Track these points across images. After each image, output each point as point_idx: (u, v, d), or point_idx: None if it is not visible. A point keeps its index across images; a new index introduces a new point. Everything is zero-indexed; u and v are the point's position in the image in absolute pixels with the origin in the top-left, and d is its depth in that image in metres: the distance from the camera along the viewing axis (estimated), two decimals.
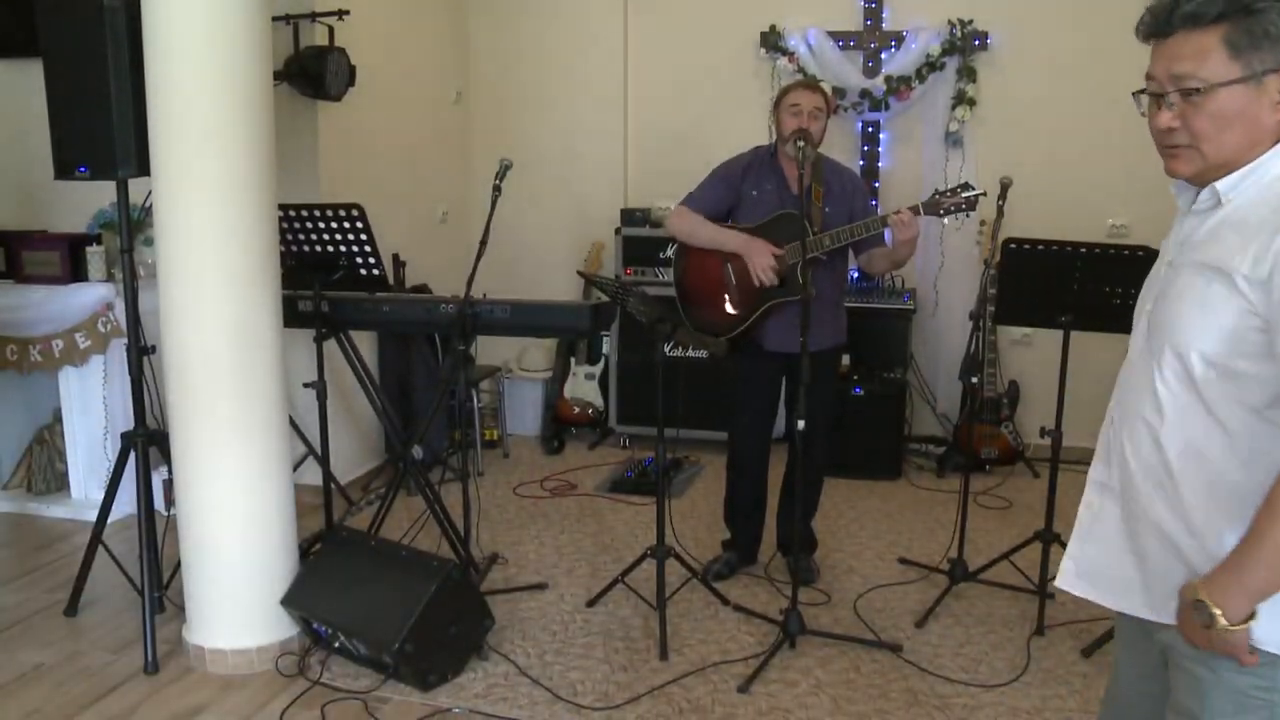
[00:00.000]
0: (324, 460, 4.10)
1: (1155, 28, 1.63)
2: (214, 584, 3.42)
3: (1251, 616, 1.57)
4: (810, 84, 3.92)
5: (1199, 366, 1.61)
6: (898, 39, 5.70)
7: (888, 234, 3.80)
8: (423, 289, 5.53)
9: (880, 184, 5.87)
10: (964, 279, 5.71)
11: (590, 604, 3.93)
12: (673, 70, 6.10)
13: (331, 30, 4.72)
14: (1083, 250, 3.52)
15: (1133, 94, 1.72)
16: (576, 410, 6.04)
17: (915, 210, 3.65)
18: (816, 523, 4.33)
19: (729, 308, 3.93)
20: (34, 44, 3.50)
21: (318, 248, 3.90)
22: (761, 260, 3.77)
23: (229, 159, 3.19)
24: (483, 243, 3.64)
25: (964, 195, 3.69)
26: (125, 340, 3.74)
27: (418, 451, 3.93)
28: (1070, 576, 1.86)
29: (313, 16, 4.69)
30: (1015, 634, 3.69)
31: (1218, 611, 1.57)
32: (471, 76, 6.37)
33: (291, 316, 3.87)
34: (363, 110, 5.11)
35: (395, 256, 5.25)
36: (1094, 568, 1.82)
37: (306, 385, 3.96)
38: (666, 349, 3.58)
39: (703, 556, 4.34)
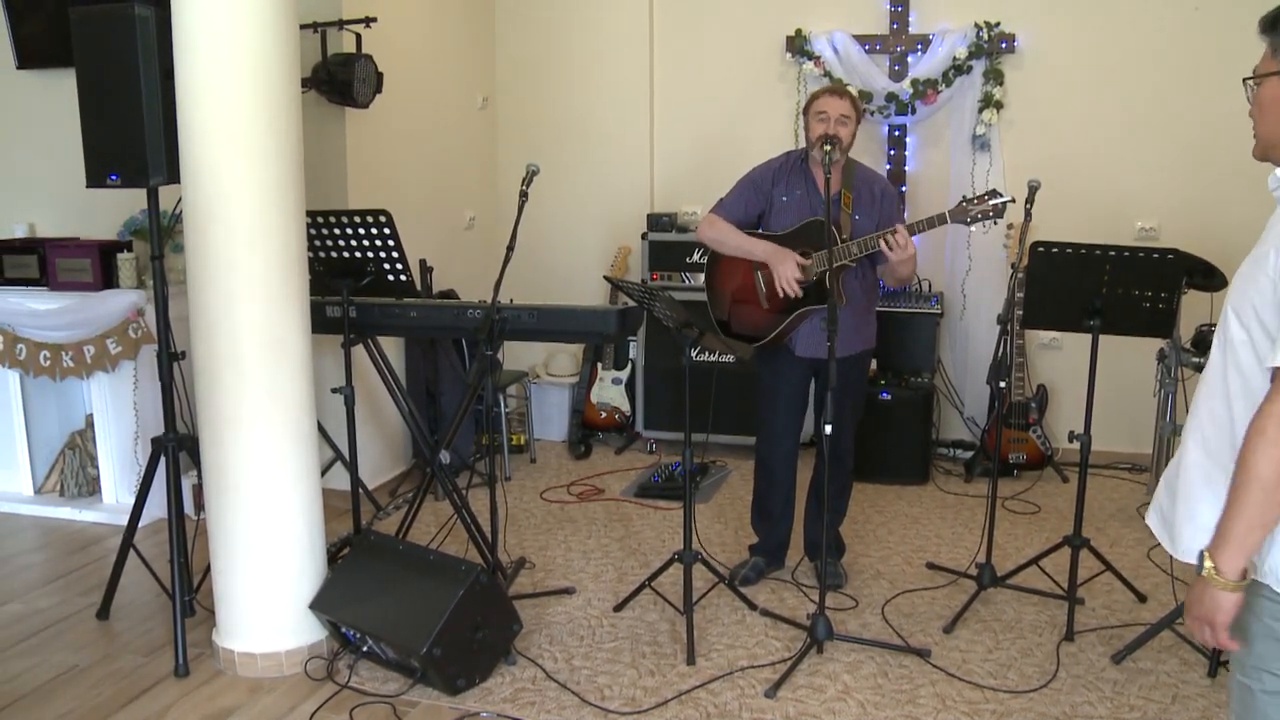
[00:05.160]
0: (352, 465, 4.12)
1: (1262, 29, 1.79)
2: (243, 588, 3.44)
3: (1243, 578, 1.68)
4: (838, 90, 3.91)
5: (1235, 325, 1.75)
6: (924, 42, 5.68)
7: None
8: (450, 294, 5.55)
9: (907, 188, 5.85)
10: (992, 282, 5.68)
11: (617, 608, 3.93)
12: (699, 75, 6.11)
13: (359, 37, 4.76)
14: (1111, 253, 3.49)
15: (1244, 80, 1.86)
16: (603, 415, 6.04)
17: (913, 228, 3.65)
18: (844, 527, 4.32)
19: (761, 314, 3.93)
20: (67, 54, 3.54)
21: (346, 254, 3.92)
22: (786, 271, 3.77)
23: (258, 166, 3.21)
24: (510, 248, 3.65)
25: (992, 202, 3.68)
26: (156, 346, 3.77)
27: (445, 456, 3.94)
28: (1150, 509, 2.02)
29: (340, 24, 4.72)
30: (1044, 640, 3.67)
31: (1209, 564, 1.70)
32: (498, 82, 6.40)
33: (320, 322, 3.90)
34: (390, 117, 5.14)
35: (423, 262, 5.28)
36: (1159, 503, 1.96)
37: (334, 390, 3.99)
38: (693, 354, 3.58)
39: (730, 561, 4.33)
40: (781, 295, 3.80)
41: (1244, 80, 1.80)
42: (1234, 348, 1.74)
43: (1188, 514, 1.84)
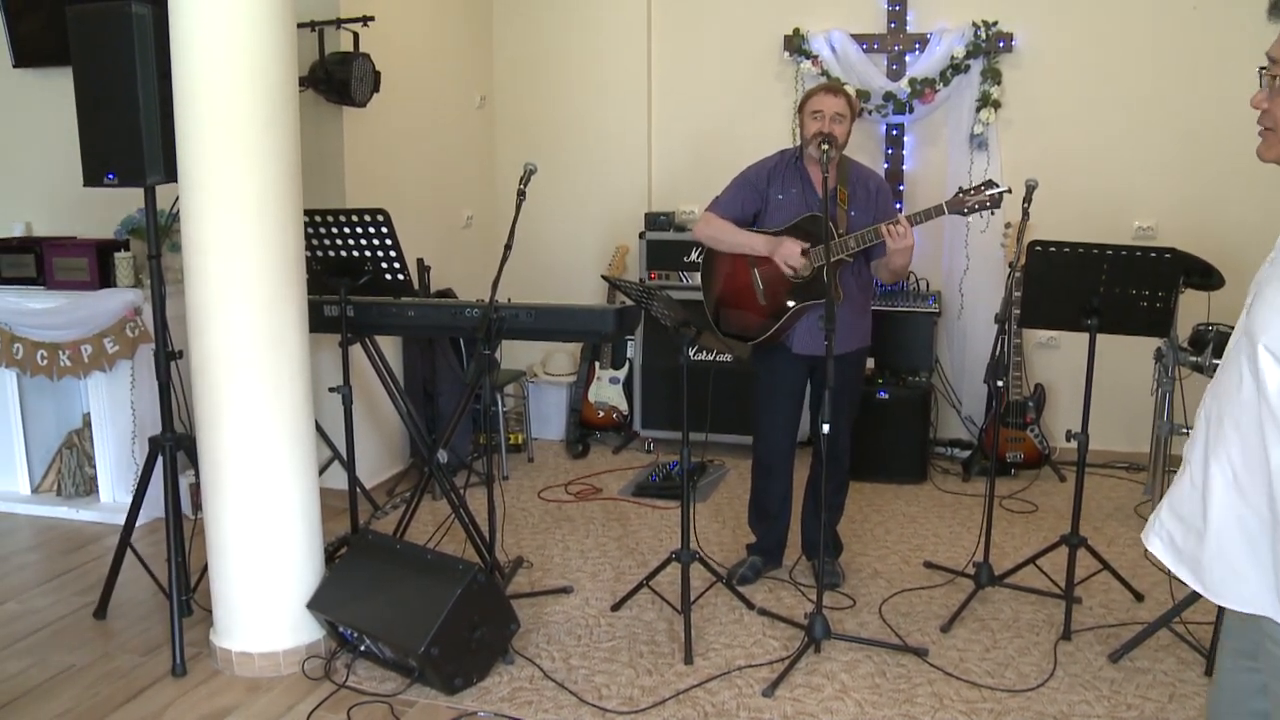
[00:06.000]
0: (350, 464, 4.12)
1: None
2: (240, 587, 3.44)
3: None
4: (833, 87, 3.91)
5: (1270, 365, 1.62)
6: (922, 41, 5.68)
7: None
8: (448, 293, 5.55)
9: (905, 187, 5.85)
10: (989, 282, 5.68)
11: (615, 608, 3.93)
12: (697, 74, 6.11)
13: (356, 36, 4.75)
14: (1109, 252, 3.49)
15: (1259, 69, 1.71)
16: (601, 414, 6.04)
17: (910, 220, 3.65)
18: (841, 526, 4.32)
19: (757, 312, 3.93)
20: (64, 53, 3.53)
21: (343, 253, 3.92)
22: (788, 251, 3.76)
23: (255, 165, 3.21)
24: (507, 247, 3.65)
25: (988, 193, 3.68)
26: (153, 345, 3.77)
27: (443, 455, 3.94)
28: (1149, 533, 1.90)
29: (338, 23, 4.72)
30: (1042, 638, 3.67)
31: None
32: (496, 81, 6.40)
33: (317, 321, 3.89)
34: (388, 116, 5.13)
35: (420, 261, 5.27)
36: (1169, 531, 1.85)
37: (332, 390, 3.98)
38: (691, 353, 3.58)
39: (727, 560, 4.33)
40: (789, 273, 3.79)
41: (1260, 70, 1.68)
42: (1268, 392, 1.63)
43: (1227, 565, 1.73)
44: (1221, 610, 3.32)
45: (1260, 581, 1.69)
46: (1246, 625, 1.83)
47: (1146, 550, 1.88)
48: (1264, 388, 1.63)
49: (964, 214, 3.74)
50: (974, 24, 5.53)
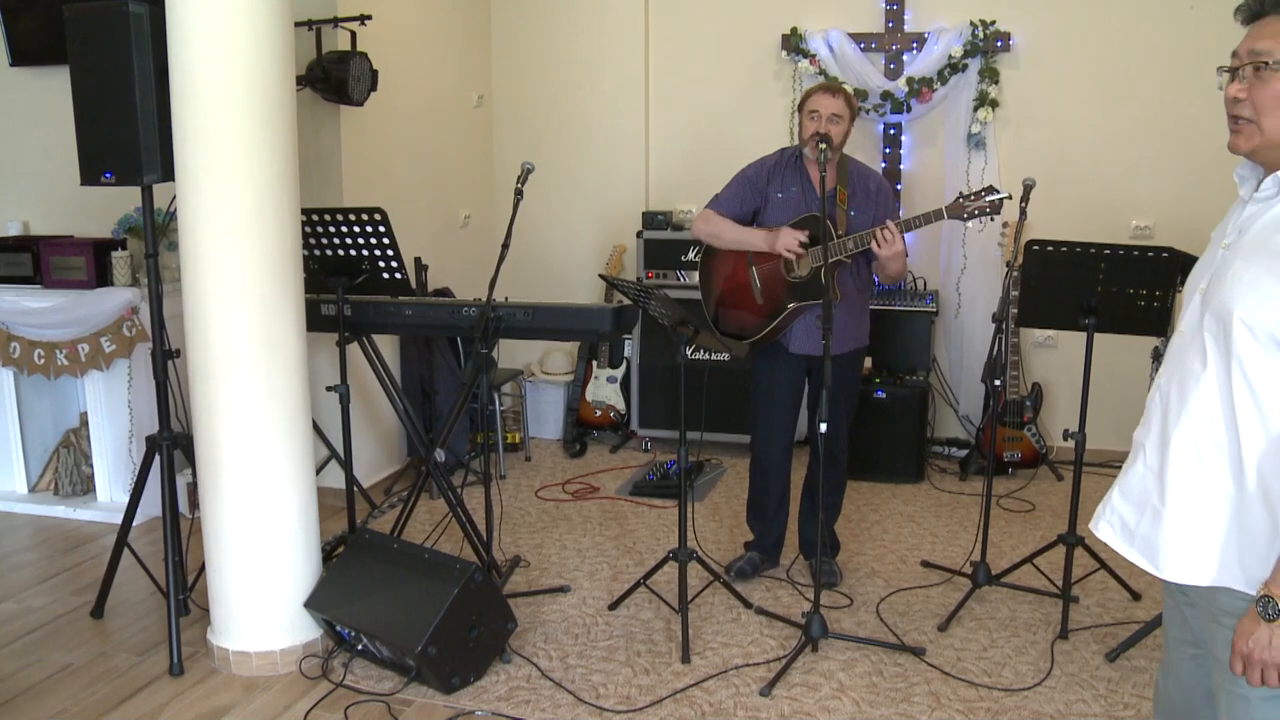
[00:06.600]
0: (347, 463, 4.12)
1: (1252, 12, 1.74)
2: (238, 586, 3.44)
3: None
4: (832, 87, 3.90)
5: (1245, 338, 1.68)
6: (919, 40, 5.67)
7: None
8: (445, 293, 5.55)
9: (903, 186, 5.85)
10: (987, 281, 5.68)
11: (612, 607, 3.93)
12: (694, 73, 6.10)
13: (354, 35, 4.75)
14: (1106, 251, 3.49)
15: (1218, 69, 1.80)
16: (598, 413, 6.04)
17: (910, 224, 3.66)
18: (839, 525, 4.32)
19: (754, 311, 3.93)
20: (61, 51, 3.53)
21: (340, 252, 3.92)
22: (786, 239, 3.76)
23: (252, 164, 3.21)
24: (505, 246, 3.65)
25: (988, 199, 3.68)
26: (150, 344, 3.77)
27: (440, 454, 3.94)
28: (1097, 519, 1.97)
29: (335, 21, 4.71)
30: (1039, 637, 3.67)
31: None
32: (494, 80, 6.39)
33: (315, 320, 3.89)
34: (385, 115, 5.13)
35: (417, 260, 5.27)
36: (1120, 516, 1.92)
37: (329, 389, 3.99)
38: (688, 352, 3.58)
39: (725, 559, 4.33)
40: (791, 258, 3.79)
41: (1227, 69, 1.75)
42: (1244, 367, 1.68)
43: (1186, 541, 1.78)
44: None
45: (1222, 554, 1.75)
46: (1185, 613, 1.92)
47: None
48: (1237, 359, 1.69)
49: (964, 219, 3.74)
50: (972, 23, 5.53)
